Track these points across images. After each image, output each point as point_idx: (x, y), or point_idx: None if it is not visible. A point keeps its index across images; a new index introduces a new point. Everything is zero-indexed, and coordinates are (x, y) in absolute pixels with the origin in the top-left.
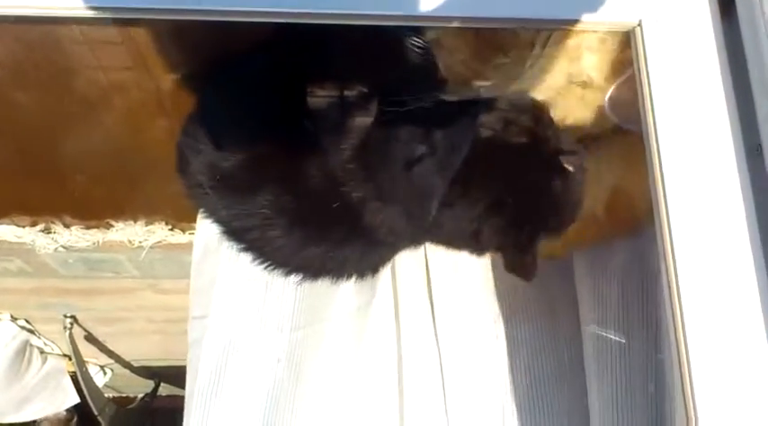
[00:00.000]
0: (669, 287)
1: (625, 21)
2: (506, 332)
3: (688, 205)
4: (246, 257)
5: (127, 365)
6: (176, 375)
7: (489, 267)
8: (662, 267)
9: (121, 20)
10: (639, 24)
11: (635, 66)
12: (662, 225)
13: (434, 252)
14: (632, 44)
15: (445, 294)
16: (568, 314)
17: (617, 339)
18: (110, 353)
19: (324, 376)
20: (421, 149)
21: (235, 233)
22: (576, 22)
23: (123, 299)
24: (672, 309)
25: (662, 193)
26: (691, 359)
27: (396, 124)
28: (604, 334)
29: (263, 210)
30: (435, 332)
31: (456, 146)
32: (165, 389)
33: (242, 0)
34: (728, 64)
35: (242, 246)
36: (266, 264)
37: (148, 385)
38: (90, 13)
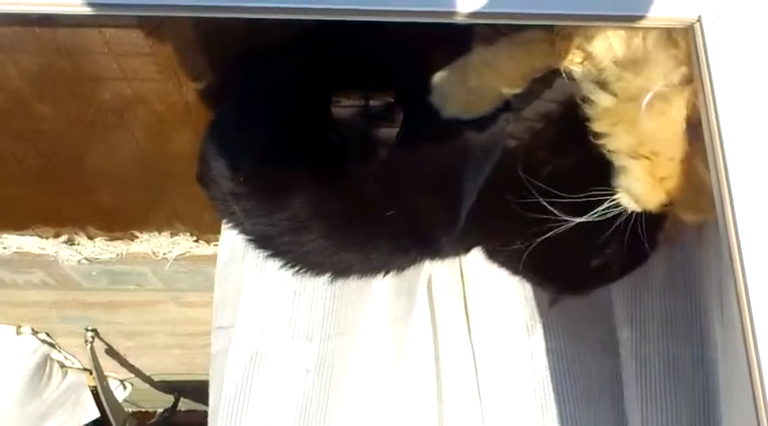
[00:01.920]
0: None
1: (683, 16)
2: (541, 347)
3: (755, 206)
4: (275, 263)
5: (147, 379)
6: (197, 389)
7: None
8: (728, 274)
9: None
10: (699, 20)
11: (694, 63)
12: (727, 227)
13: (470, 264)
14: (691, 40)
15: (481, 306)
16: (602, 331)
17: (661, 359)
18: (130, 367)
19: (357, 387)
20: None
21: (263, 239)
22: (630, 18)
23: (146, 312)
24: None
25: (727, 195)
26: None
27: (425, 131)
28: (646, 353)
29: (295, 214)
30: (471, 344)
31: (485, 155)
32: (184, 404)
33: None
34: None
35: (270, 252)
36: (298, 268)
37: (168, 400)
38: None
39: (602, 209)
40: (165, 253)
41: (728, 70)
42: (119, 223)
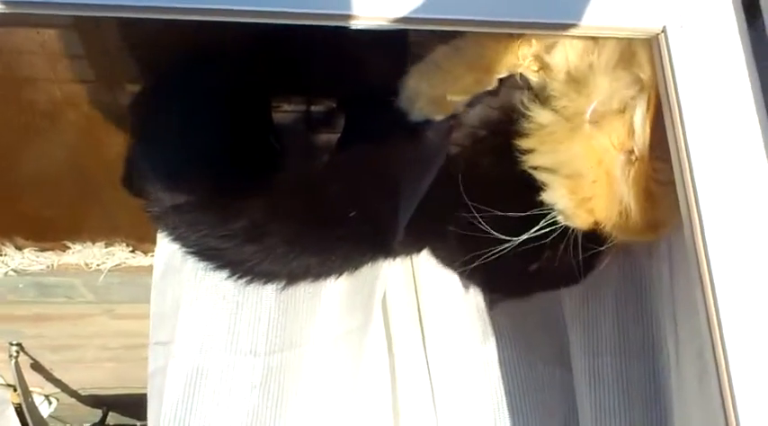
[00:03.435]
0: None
1: (648, 26)
2: (495, 358)
3: (720, 213)
4: (220, 275)
5: (74, 394)
6: (126, 403)
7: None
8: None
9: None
10: (663, 31)
11: (658, 73)
12: (695, 240)
13: (424, 276)
14: (655, 51)
15: (435, 317)
16: (555, 343)
17: (614, 371)
18: (56, 382)
19: (308, 402)
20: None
21: (210, 251)
22: (594, 28)
23: (75, 325)
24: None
25: (694, 202)
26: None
27: (366, 135)
28: (598, 366)
29: (253, 220)
30: (426, 356)
31: (428, 159)
32: (113, 418)
33: None
34: (756, 71)
35: (218, 264)
36: (247, 278)
37: (96, 414)
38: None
39: (538, 228)
40: (98, 265)
41: (693, 80)
42: (49, 233)
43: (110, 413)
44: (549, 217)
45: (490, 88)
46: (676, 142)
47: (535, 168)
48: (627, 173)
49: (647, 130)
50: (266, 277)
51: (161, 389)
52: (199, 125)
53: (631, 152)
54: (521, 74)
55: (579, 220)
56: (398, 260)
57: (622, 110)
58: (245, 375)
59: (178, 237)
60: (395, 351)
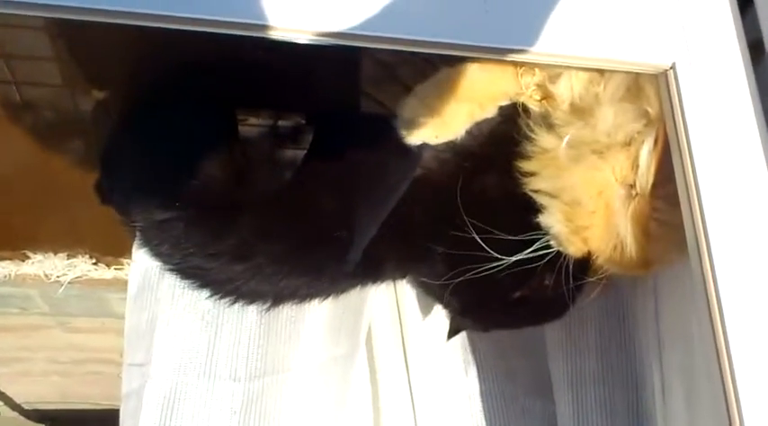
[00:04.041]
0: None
1: (657, 62)
2: (476, 389)
3: (729, 248)
4: (201, 294)
5: (16, 407)
6: (70, 419)
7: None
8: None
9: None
10: (673, 67)
11: (667, 109)
12: (704, 272)
13: (408, 305)
14: (663, 87)
15: (419, 349)
16: (536, 373)
17: (598, 401)
18: (0, 395)
19: None
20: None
21: (195, 269)
22: (604, 61)
23: (27, 337)
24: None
25: (703, 237)
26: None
27: (332, 154)
28: (582, 396)
29: (244, 238)
30: (410, 387)
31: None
32: None
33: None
34: (762, 107)
35: (200, 283)
36: (231, 298)
37: None
38: None
39: (532, 250)
40: (58, 276)
41: (701, 116)
42: (9, 242)
43: None
44: (542, 240)
45: (490, 116)
46: (685, 177)
47: (536, 191)
48: (626, 207)
49: (653, 167)
50: (252, 297)
51: (135, 412)
52: (185, 137)
53: (633, 186)
54: (522, 103)
55: (573, 248)
56: (383, 288)
57: (628, 144)
58: (225, 400)
59: (160, 254)
60: (379, 380)
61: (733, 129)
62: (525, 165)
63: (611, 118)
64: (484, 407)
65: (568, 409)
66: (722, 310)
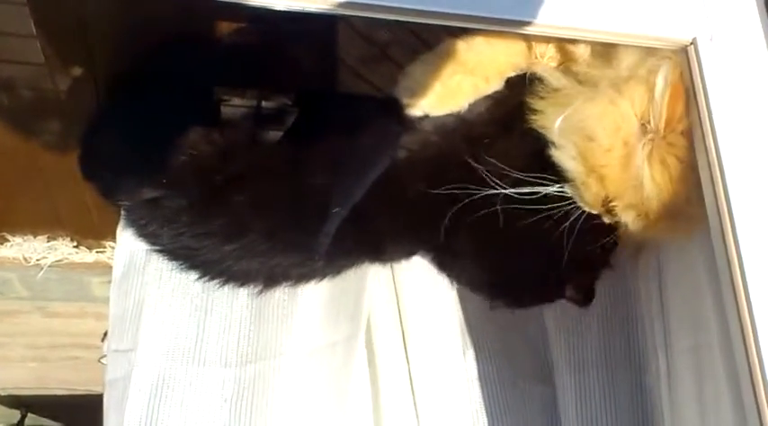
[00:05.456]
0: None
1: (678, 38)
2: (475, 372)
3: (753, 218)
4: (190, 275)
5: None
6: (47, 405)
7: (457, 300)
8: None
9: None
10: (693, 42)
11: (689, 84)
12: (727, 245)
13: (406, 290)
14: (685, 62)
15: (418, 332)
16: (535, 358)
17: (601, 386)
18: None
19: (284, 420)
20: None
21: (183, 250)
22: (625, 36)
23: (3, 322)
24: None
25: (726, 208)
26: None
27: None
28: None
29: (236, 215)
30: (409, 370)
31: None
32: (31, 419)
33: None
34: None
35: (189, 264)
36: (222, 279)
37: (14, 415)
38: None
39: (551, 190)
40: (38, 259)
41: (723, 91)
42: None
43: (28, 415)
44: (557, 187)
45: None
46: (707, 151)
47: (543, 128)
48: (643, 145)
49: (666, 96)
50: (243, 278)
51: (121, 400)
52: (171, 114)
53: (650, 124)
54: (532, 71)
55: (589, 193)
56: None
57: (647, 78)
58: (216, 388)
59: (147, 234)
60: (378, 364)
61: (755, 103)
62: (536, 104)
63: (636, 53)
64: (483, 392)
65: (569, 393)
66: (748, 290)
